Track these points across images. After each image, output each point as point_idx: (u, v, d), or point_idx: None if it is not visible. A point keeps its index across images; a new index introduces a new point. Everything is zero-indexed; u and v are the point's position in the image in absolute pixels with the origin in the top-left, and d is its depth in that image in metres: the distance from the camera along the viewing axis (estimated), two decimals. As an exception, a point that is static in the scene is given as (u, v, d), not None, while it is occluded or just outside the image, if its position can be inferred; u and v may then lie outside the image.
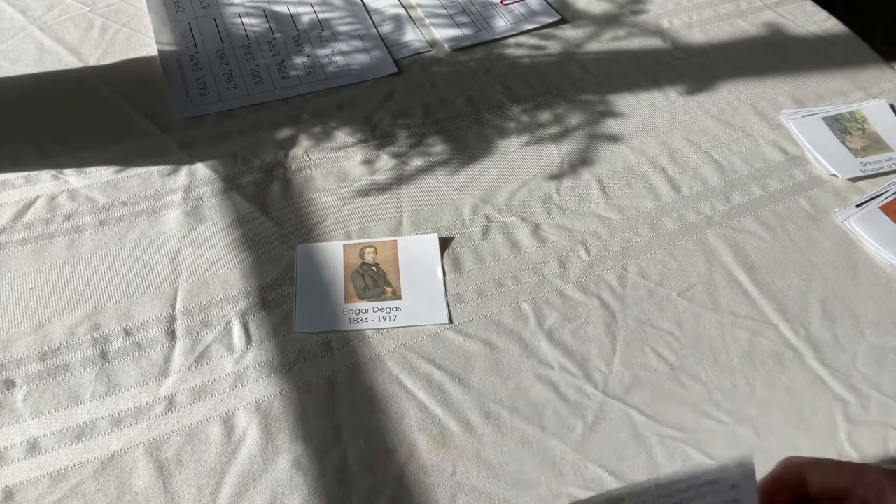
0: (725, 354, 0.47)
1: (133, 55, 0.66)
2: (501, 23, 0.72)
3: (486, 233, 0.53)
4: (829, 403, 0.45)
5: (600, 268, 0.51)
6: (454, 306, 0.49)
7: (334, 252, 0.51)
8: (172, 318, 0.47)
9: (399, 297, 0.49)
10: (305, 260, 0.51)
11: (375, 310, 0.49)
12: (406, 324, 0.48)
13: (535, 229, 0.54)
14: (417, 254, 0.51)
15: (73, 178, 0.55)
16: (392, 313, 0.48)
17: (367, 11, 0.72)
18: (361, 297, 0.49)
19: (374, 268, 0.51)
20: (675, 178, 0.58)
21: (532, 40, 0.70)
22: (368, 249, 0.52)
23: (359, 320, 0.48)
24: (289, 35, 0.69)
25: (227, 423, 0.43)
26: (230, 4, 0.72)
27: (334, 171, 0.57)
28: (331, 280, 0.50)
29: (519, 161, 0.59)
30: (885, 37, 1.51)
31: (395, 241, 0.52)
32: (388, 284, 0.50)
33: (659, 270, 0.51)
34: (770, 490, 0.32)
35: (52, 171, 0.55)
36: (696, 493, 0.28)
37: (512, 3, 0.74)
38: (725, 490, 0.28)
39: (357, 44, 0.69)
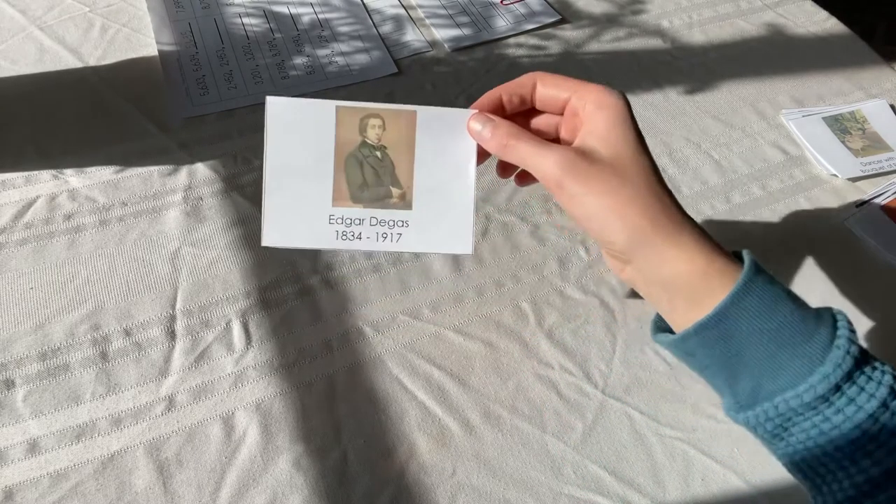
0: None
1: (133, 55, 0.66)
2: (501, 23, 0.72)
3: (486, 233, 0.53)
4: (829, 403, 0.45)
5: (600, 268, 0.51)
6: (454, 306, 0.49)
7: (323, 117, 0.36)
8: (172, 318, 0.47)
9: (409, 206, 0.37)
10: (279, 124, 0.36)
11: (374, 221, 0.37)
12: (413, 248, 0.37)
13: (535, 229, 0.54)
14: (445, 139, 0.37)
15: (73, 178, 0.55)
16: (396, 230, 0.37)
17: (368, 11, 0.72)
18: (357, 200, 0.37)
19: (378, 153, 0.37)
20: (675, 178, 0.58)
21: (532, 40, 0.70)
22: (374, 121, 0.37)
23: (349, 235, 0.37)
24: (289, 35, 0.69)
25: (227, 423, 0.43)
26: (230, 4, 0.72)
27: (334, 171, 0.57)
28: (314, 164, 0.36)
29: (519, 161, 0.59)
30: (885, 37, 1.51)
31: (415, 112, 0.37)
32: (397, 184, 0.37)
33: (659, 270, 0.51)
34: (502, 89, 0.37)
35: (52, 171, 0.55)
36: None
37: (512, 3, 0.74)
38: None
39: (357, 44, 0.69)
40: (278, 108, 0.36)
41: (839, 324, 0.31)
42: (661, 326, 0.37)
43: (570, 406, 0.44)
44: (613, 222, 0.33)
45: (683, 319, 0.33)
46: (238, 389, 0.44)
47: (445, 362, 0.46)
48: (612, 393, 0.45)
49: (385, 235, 0.37)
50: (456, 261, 0.51)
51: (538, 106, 0.38)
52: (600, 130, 0.34)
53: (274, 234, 0.36)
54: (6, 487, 0.40)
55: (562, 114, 0.38)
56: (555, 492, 0.41)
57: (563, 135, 0.38)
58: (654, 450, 0.43)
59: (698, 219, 0.55)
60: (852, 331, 0.31)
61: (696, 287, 0.32)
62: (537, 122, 0.39)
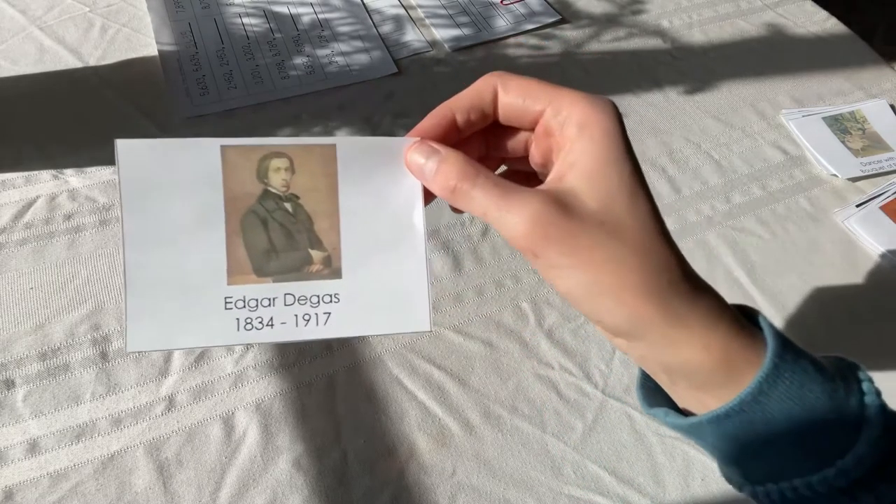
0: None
1: (133, 55, 0.66)
2: (501, 23, 0.72)
3: (485, 233, 0.53)
4: (829, 403, 0.45)
5: (600, 268, 0.51)
6: (454, 306, 0.49)
7: (203, 162, 0.26)
8: (172, 318, 0.47)
9: (337, 274, 0.28)
10: (139, 177, 0.26)
11: (290, 299, 0.27)
12: (349, 331, 0.28)
13: (535, 229, 0.54)
14: (378, 179, 0.28)
15: (73, 178, 0.55)
16: (322, 308, 0.27)
17: (368, 11, 0.72)
18: (262, 273, 0.27)
19: (288, 205, 0.27)
20: (675, 178, 0.58)
21: (532, 40, 0.70)
22: (277, 161, 0.27)
23: (256, 323, 0.27)
24: (289, 35, 0.69)
25: (227, 423, 0.43)
26: (230, 4, 0.72)
27: (334, 171, 0.57)
28: (196, 229, 0.27)
29: (519, 161, 0.59)
30: (885, 37, 1.51)
31: (333, 145, 0.27)
32: (318, 245, 0.28)
33: (659, 270, 0.51)
34: (454, 105, 0.28)
35: (52, 171, 0.55)
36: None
37: (512, 3, 0.74)
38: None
39: (357, 44, 0.69)
40: (136, 155, 0.26)
41: (864, 387, 0.26)
42: (647, 385, 0.30)
43: (570, 406, 0.44)
44: (607, 303, 0.25)
45: (689, 398, 0.27)
46: (238, 389, 0.44)
47: (445, 362, 0.46)
48: (612, 393, 0.45)
49: (308, 318, 0.27)
50: (456, 261, 0.51)
51: (501, 119, 0.29)
52: (585, 165, 0.26)
53: (143, 335, 0.26)
54: (6, 487, 0.40)
55: (532, 129, 0.29)
56: (555, 492, 0.41)
57: (534, 157, 0.30)
58: (654, 450, 0.43)
59: (698, 219, 0.55)
60: (878, 393, 0.26)
61: (710, 375, 0.26)
62: (499, 139, 0.30)
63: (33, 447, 0.41)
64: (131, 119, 0.60)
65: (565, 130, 0.27)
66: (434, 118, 0.29)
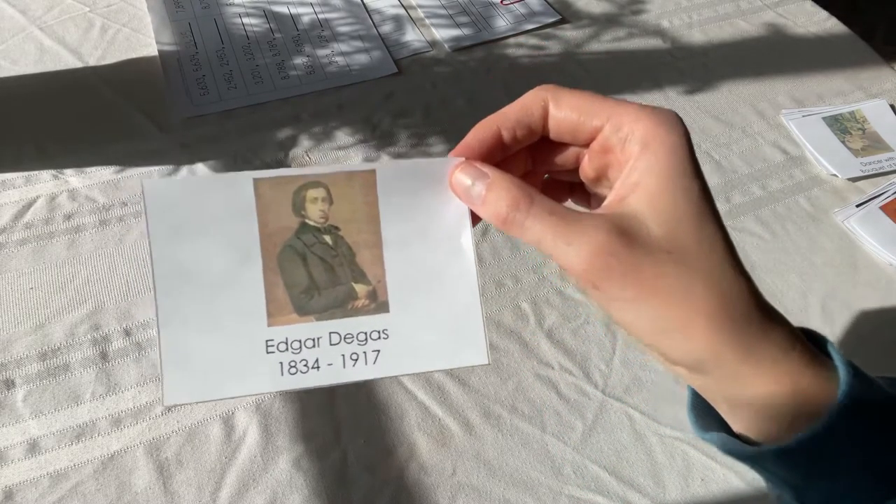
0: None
1: (133, 55, 0.66)
2: (501, 23, 0.72)
3: (485, 233, 0.53)
4: (829, 403, 0.45)
5: (600, 268, 0.51)
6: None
7: (235, 197, 0.25)
8: (172, 318, 0.47)
9: (384, 308, 0.26)
10: (167, 219, 0.25)
11: (335, 338, 0.26)
12: (402, 369, 0.26)
13: (535, 229, 0.54)
14: (422, 204, 0.26)
15: (73, 178, 0.55)
16: (371, 346, 0.26)
17: (368, 11, 0.72)
18: (304, 311, 0.26)
19: (328, 237, 0.26)
20: (675, 178, 0.58)
21: (532, 40, 0.70)
22: (313, 192, 0.26)
23: (301, 366, 0.25)
24: (289, 35, 0.69)
25: (227, 423, 0.43)
26: (230, 4, 0.72)
27: (334, 171, 0.57)
28: (232, 269, 0.25)
29: (519, 161, 0.59)
30: (885, 37, 1.51)
31: (373, 170, 0.26)
32: (362, 278, 0.26)
33: (659, 270, 0.51)
34: (499, 120, 0.26)
35: (52, 171, 0.55)
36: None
37: (512, 3, 0.74)
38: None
39: (357, 44, 0.69)
40: (163, 196, 0.25)
41: None
42: (698, 406, 0.27)
43: (570, 406, 0.44)
44: (673, 338, 0.24)
45: (750, 425, 0.25)
46: (238, 389, 0.44)
47: (445, 362, 0.46)
48: (612, 393, 0.45)
49: (356, 357, 0.25)
50: (456, 261, 0.51)
51: (552, 135, 0.27)
52: (649, 186, 0.24)
53: (181, 385, 0.25)
54: (6, 487, 0.40)
55: (585, 145, 0.27)
56: (555, 492, 0.41)
57: (586, 172, 0.27)
58: (654, 450, 0.43)
59: (698, 219, 0.55)
60: None
61: (778, 409, 0.24)
62: (547, 153, 0.28)
63: (33, 447, 0.41)
64: (131, 119, 0.60)
65: (627, 148, 0.25)
66: (478, 134, 0.27)
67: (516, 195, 0.25)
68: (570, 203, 0.30)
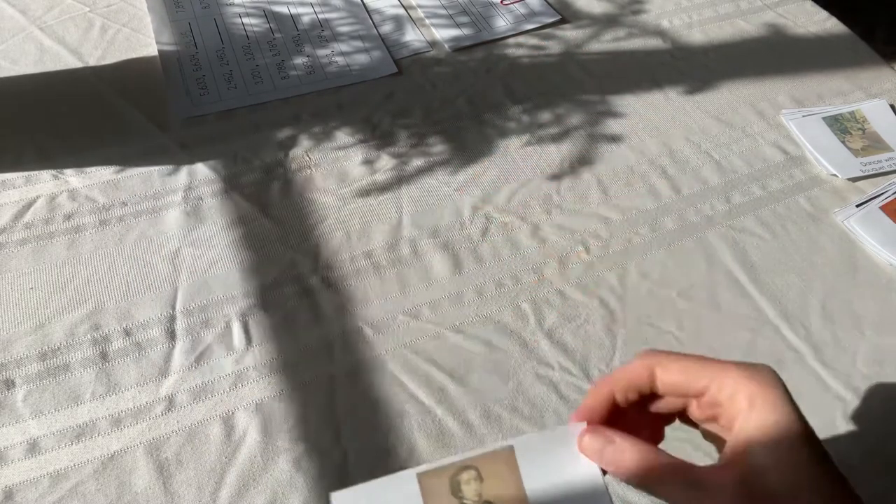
0: (725, 354, 0.46)
1: (133, 55, 0.66)
2: (501, 23, 0.72)
3: (485, 233, 0.53)
4: (829, 403, 0.45)
5: (600, 268, 0.51)
6: (454, 306, 0.49)
7: (403, 493, 0.29)
8: (172, 318, 0.47)
9: None
10: None
11: None
12: None
13: (535, 229, 0.54)
14: (558, 469, 0.30)
15: (73, 178, 0.55)
16: None
17: (368, 11, 0.72)
18: None
19: None
20: (675, 178, 0.58)
21: (532, 40, 0.70)
22: (467, 475, 0.29)
23: None
24: (289, 35, 0.69)
25: (227, 423, 0.43)
26: (230, 4, 0.72)
27: (334, 171, 0.57)
28: None
29: (519, 161, 0.59)
30: (885, 37, 1.51)
31: (511, 447, 0.30)
32: None
33: (659, 270, 0.51)
34: (613, 384, 0.30)
35: (52, 171, 0.55)
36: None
37: (512, 3, 0.74)
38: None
39: (357, 44, 0.69)
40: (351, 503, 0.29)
41: None
42: None
43: (570, 406, 0.44)
44: None
45: None
46: (238, 389, 0.44)
47: (445, 362, 0.46)
48: (612, 393, 0.45)
49: None
50: (456, 261, 0.51)
51: (661, 392, 0.31)
52: (763, 439, 0.27)
53: None
54: (6, 487, 0.40)
55: (693, 397, 0.30)
56: (555, 492, 0.41)
57: (695, 415, 0.31)
58: (654, 450, 0.43)
59: (698, 219, 0.55)
60: None
61: None
62: (657, 402, 0.31)
63: (33, 447, 0.41)
64: (131, 119, 0.60)
65: (735, 404, 0.28)
66: (595, 398, 0.30)
67: (644, 461, 0.28)
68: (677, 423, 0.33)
